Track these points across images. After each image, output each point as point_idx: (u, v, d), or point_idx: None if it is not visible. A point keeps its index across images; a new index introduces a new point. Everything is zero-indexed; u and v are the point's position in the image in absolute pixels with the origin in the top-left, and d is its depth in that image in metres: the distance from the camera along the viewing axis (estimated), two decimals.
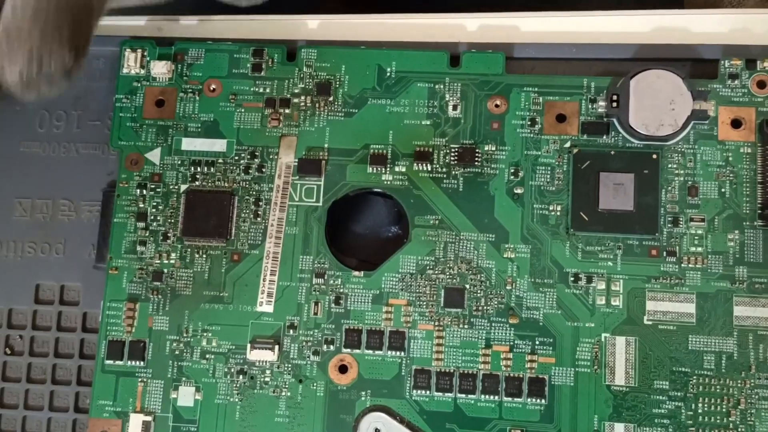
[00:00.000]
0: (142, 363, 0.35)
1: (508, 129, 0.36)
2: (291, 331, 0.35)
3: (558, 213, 0.35)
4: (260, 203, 0.36)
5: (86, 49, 0.30)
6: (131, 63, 0.37)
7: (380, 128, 0.36)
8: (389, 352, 0.34)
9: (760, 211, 0.34)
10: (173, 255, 0.36)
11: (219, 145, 0.37)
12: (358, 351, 0.34)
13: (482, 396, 0.34)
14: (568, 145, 0.35)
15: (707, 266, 0.34)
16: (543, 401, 0.33)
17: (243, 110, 0.37)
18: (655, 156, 0.35)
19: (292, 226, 0.36)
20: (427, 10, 0.38)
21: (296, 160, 0.36)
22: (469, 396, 0.34)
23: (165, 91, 0.37)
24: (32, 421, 0.37)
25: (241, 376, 0.35)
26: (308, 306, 0.35)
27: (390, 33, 0.38)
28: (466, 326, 0.34)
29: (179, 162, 0.37)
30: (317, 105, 0.37)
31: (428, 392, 0.34)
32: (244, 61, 0.37)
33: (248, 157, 0.36)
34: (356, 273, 0.35)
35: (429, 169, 0.36)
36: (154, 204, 0.36)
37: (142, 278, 0.36)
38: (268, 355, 0.34)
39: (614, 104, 0.35)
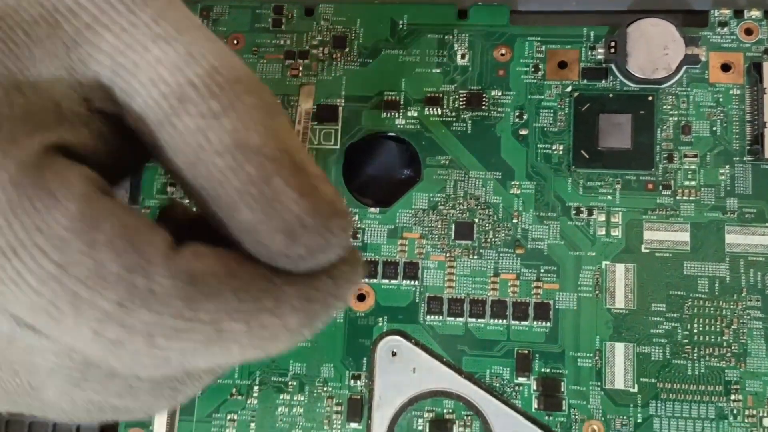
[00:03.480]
0: None
1: (513, 75, 0.38)
2: None
3: (560, 152, 0.37)
4: None
5: None
6: None
7: (393, 76, 0.39)
8: (404, 281, 0.37)
9: (749, 147, 0.36)
10: None
11: None
12: (375, 281, 0.37)
13: (491, 320, 0.36)
14: (569, 89, 0.38)
15: (700, 198, 0.36)
16: (548, 324, 0.36)
17: (265, 62, 0.39)
18: (650, 98, 0.37)
19: None
20: None
21: (315, 106, 0.39)
22: (479, 320, 0.36)
23: None
24: None
25: None
26: None
27: None
28: (475, 257, 0.37)
29: None
30: (334, 56, 0.39)
31: (441, 317, 0.36)
32: (265, 17, 0.40)
33: None
34: (372, 209, 0.38)
35: (439, 113, 0.38)
36: None
37: None
38: None
39: (612, 51, 0.37)
